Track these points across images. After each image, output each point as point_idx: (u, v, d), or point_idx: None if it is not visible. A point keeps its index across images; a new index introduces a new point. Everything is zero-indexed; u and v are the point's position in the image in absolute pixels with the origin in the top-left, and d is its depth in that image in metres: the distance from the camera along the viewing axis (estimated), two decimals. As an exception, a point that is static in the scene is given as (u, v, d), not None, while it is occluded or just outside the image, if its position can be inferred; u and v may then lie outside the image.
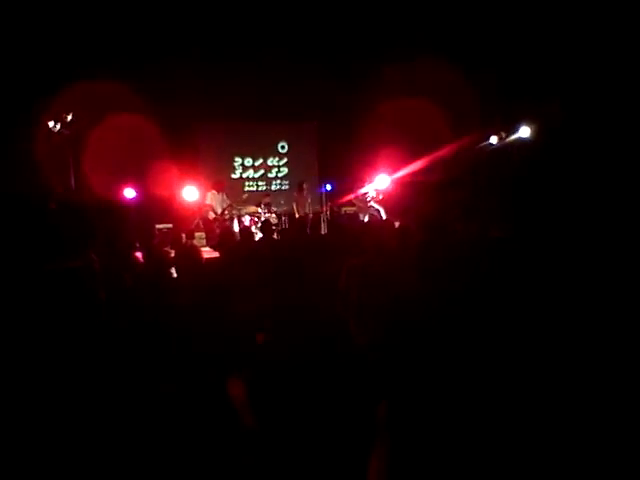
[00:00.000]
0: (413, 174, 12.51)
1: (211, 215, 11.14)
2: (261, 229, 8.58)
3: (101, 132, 11.07)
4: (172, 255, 4.71)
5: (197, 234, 10.98)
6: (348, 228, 6.86)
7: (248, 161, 14.27)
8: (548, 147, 10.61)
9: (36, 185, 9.88)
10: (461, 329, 2.85)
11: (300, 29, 10.86)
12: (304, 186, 11.75)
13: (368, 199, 11.55)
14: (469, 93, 11.24)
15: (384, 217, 10.90)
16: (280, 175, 14.49)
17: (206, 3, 10.08)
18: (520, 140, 11.67)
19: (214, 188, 11.33)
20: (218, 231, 10.55)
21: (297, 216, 11.41)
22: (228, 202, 11.32)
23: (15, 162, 9.55)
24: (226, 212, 11.19)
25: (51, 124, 10.25)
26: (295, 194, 11.92)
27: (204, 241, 10.80)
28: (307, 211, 11.58)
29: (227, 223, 11.11)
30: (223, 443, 2.29)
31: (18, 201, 8.99)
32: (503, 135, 12.05)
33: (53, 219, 9.37)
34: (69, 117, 10.43)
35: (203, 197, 11.40)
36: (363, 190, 11.66)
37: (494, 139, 12.20)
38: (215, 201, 11.16)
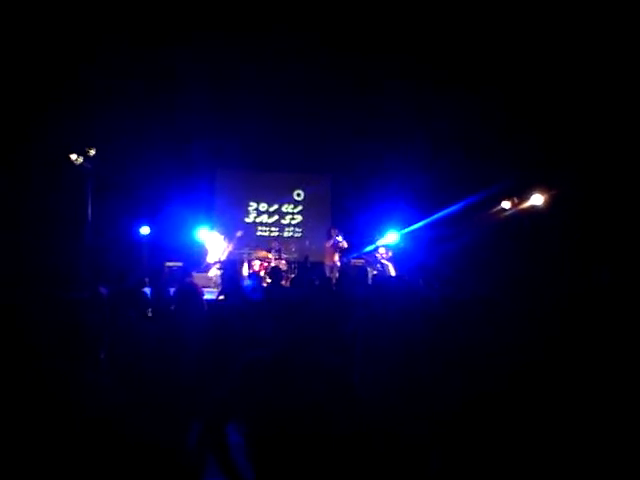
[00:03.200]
0: (423, 231, 12.57)
1: (208, 259, 11.08)
2: (270, 275, 8.59)
3: (122, 169, 11.32)
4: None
5: (205, 275, 11.01)
6: (357, 281, 6.86)
7: (263, 206, 14.44)
8: (559, 217, 10.71)
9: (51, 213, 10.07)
10: (469, 380, 2.83)
11: (323, 85, 11.17)
12: (332, 232, 11.59)
13: (377, 255, 11.59)
14: (486, 156, 11.44)
15: (392, 273, 10.90)
16: (294, 222, 14.62)
17: (231, 54, 10.41)
18: (533, 208, 11.77)
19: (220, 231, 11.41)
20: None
21: (326, 264, 11.39)
22: (227, 244, 11.23)
23: (34, 191, 9.75)
24: (224, 254, 11.07)
25: (74, 157, 10.48)
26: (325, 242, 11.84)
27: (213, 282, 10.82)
28: (335, 260, 11.37)
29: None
30: None
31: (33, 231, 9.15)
32: (516, 201, 12.15)
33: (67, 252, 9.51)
34: (92, 151, 10.68)
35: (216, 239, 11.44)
36: (373, 245, 11.73)
37: (507, 204, 12.30)
38: (215, 244, 11.08)
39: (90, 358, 3.57)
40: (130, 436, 2.27)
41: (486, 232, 12.06)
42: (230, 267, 10.96)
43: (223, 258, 11.00)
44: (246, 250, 11.73)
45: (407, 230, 12.42)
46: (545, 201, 11.63)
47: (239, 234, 11.65)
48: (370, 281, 6.90)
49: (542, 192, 11.58)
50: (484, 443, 2.16)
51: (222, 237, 11.29)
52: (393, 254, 11.60)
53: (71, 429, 2.03)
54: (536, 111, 10.62)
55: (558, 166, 10.69)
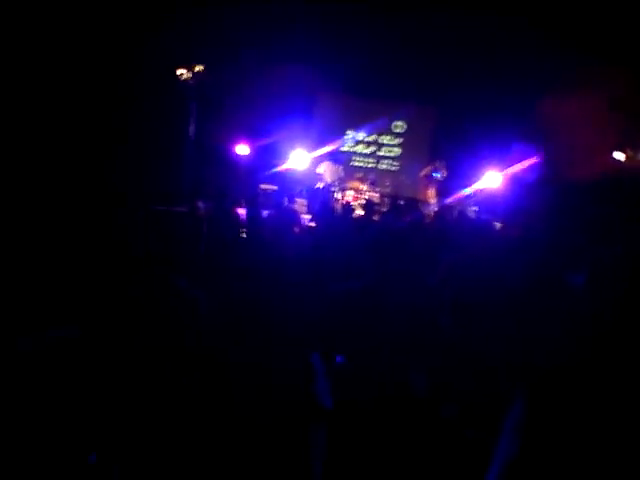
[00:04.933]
0: (522, 174, 11.87)
1: (319, 184, 11.17)
2: (363, 207, 8.59)
3: (225, 88, 11.44)
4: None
5: (299, 200, 11.16)
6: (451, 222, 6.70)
7: (361, 135, 14.15)
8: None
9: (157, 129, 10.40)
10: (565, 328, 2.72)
11: (435, 16, 10.57)
12: (437, 164, 11.52)
13: (474, 197, 11.24)
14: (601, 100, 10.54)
15: (485, 216, 10.57)
16: (391, 155, 14.27)
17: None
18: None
19: (332, 159, 11.46)
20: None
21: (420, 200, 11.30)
22: (342, 175, 11.31)
23: (139, 106, 10.02)
24: (336, 183, 11.14)
25: (179, 72, 10.66)
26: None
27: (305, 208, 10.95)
28: (428, 197, 11.34)
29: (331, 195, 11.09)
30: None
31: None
32: (630, 153, 11.19)
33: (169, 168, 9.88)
34: (198, 67, 10.82)
35: (313, 164, 11.49)
36: (471, 187, 11.35)
37: (620, 155, 11.34)
38: (328, 171, 11.16)
39: (186, 268, 3.74)
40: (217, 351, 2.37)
41: (592, 182, 11.24)
42: (323, 195, 11.08)
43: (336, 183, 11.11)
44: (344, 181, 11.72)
45: (506, 173, 11.81)
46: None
47: (359, 175, 11.93)
48: (464, 224, 6.70)
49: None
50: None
51: (327, 163, 11.35)
52: (490, 197, 11.19)
53: (168, 337, 2.15)
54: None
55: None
